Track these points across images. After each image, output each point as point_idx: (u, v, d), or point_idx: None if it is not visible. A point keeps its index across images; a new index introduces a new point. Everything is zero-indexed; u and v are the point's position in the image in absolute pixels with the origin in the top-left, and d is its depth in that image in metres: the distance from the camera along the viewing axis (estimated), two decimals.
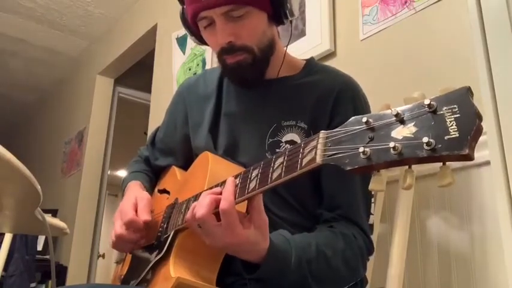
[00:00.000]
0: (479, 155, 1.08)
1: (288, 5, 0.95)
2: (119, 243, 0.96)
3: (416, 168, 1.15)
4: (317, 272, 0.81)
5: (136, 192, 1.03)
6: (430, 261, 1.17)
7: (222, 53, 0.96)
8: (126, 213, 0.93)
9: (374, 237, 1.02)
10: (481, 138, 1.00)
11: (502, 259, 0.99)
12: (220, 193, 0.73)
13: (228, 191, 0.72)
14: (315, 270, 0.80)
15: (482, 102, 0.99)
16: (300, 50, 1.63)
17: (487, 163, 1.05)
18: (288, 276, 0.78)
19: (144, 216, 0.93)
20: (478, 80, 1.01)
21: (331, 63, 1.58)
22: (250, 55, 0.95)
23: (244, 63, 0.95)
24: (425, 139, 0.47)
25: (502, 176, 0.94)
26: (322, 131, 0.60)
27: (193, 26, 1.00)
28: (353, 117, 0.56)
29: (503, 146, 0.95)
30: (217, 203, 0.72)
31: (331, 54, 1.62)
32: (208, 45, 1.04)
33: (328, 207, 0.92)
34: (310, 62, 1.08)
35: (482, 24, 1.03)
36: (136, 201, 0.97)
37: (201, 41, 1.03)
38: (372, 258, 1.09)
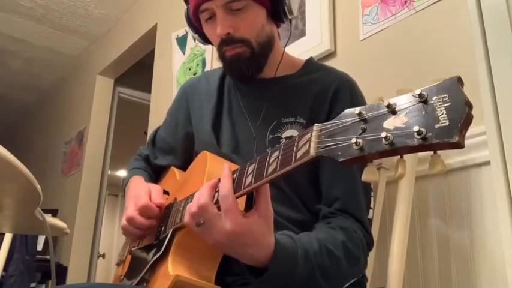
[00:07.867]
0: (479, 155, 1.08)
1: (287, 1, 0.98)
2: (129, 227, 0.95)
3: (416, 168, 1.15)
4: (322, 266, 0.78)
5: (147, 183, 1.05)
6: (430, 261, 1.17)
7: (222, 45, 0.99)
8: (140, 198, 0.95)
9: (374, 236, 1.02)
10: (481, 138, 1.01)
11: (502, 259, 0.99)
12: (219, 181, 0.74)
13: (225, 177, 0.72)
14: (320, 263, 0.78)
15: (482, 102, 0.99)
16: (300, 50, 1.63)
17: (487, 163, 1.04)
18: (297, 271, 0.75)
19: (158, 200, 0.95)
20: (478, 80, 1.01)
21: (331, 63, 1.58)
22: (248, 48, 0.98)
23: (243, 56, 0.98)
24: (416, 128, 0.47)
25: (502, 176, 0.94)
26: (316, 124, 0.60)
27: (195, 22, 1.04)
28: (346, 110, 0.56)
29: (503, 146, 0.95)
30: (216, 189, 0.74)
31: (331, 54, 1.62)
32: (210, 43, 1.07)
33: (326, 202, 0.92)
34: (309, 61, 1.10)
35: (482, 24, 1.03)
36: (150, 189, 0.99)
37: (204, 39, 1.07)
38: (372, 257, 1.09)
